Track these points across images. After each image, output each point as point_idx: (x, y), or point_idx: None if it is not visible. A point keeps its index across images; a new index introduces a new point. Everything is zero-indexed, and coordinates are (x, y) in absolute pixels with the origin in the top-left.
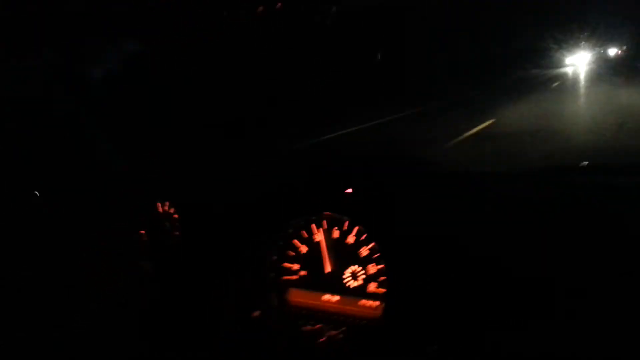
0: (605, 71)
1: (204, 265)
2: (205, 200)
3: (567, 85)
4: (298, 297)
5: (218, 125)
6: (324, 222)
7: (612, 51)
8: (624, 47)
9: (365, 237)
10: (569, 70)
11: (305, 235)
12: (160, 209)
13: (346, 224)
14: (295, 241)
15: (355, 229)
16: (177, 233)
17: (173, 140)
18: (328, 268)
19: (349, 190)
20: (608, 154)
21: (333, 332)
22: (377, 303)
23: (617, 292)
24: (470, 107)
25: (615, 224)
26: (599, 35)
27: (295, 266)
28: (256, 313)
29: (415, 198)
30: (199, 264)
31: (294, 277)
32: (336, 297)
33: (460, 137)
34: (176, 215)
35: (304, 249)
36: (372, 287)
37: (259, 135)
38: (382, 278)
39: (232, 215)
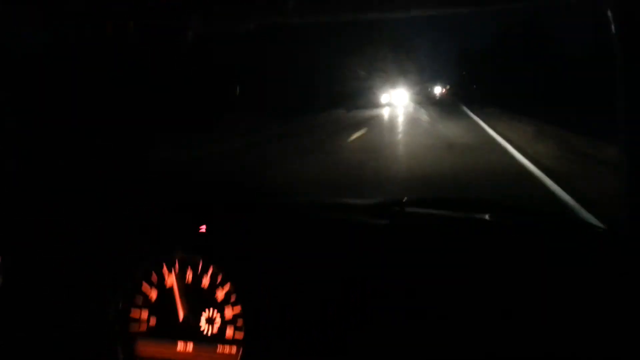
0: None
1: (32, 318)
2: (34, 241)
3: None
4: (148, 349)
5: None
6: (176, 263)
7: (438, 89)
8: (447, 86)
9: (221, 279)
10: (395, 106)
11: (155, 279)
12: None
13: (200, 264)
14: (144, 286)
15: (210, 269)
16: None
17: None
18: (181, 314)
19: (203, 227)
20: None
21: None
22: (235, 349)
23: None
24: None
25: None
26: (426, 77)
27: (144, 314)
28: None
29: (272, 234)
30: (27, 316)
31: (143, 327)
32: (191, 346)
33: None
34: None
35: (153, 294)
36: (230, 331)
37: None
38: (240, 322)
39: (68, 258)
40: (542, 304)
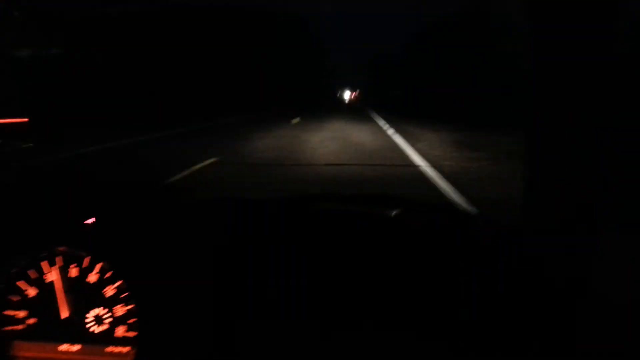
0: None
1: None
2: None
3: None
4: (26, 350)
5: None
6: (58, 258)
7: (347, 94)
8: (357, 91)
9: (111, 275)
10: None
11: (35, 275)
12: None
13: (86, 260)
14: (21, 283)
15: (98, 265)
16: None
17: None
18: (65, 313)
19: (91, 220)
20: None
21: None
22: (128, 348)
23: None
24: None
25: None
26: (337, 82)
27: (22, 313)
28: None
29: (165, 228)
30: None
31: (21, 326)
32: (76, 347)
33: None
34: None
35: (32, 291)
36: (121, 330)
37: None
38: (132, 320)
39: None
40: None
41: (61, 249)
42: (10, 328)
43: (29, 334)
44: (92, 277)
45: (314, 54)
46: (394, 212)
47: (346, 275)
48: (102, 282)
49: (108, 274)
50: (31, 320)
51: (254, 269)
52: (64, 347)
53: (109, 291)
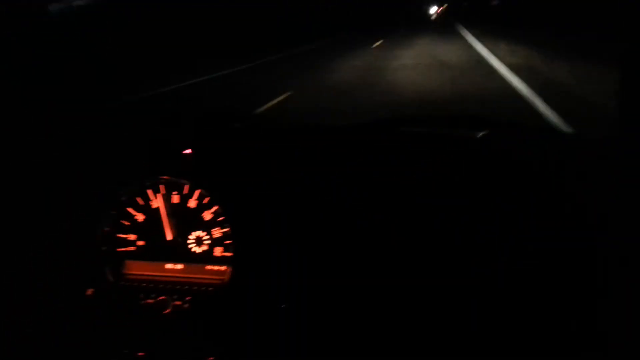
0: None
1: (22, 244)
2: (20, 163)
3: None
4: (137, 269)
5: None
6: (162, 187)
7: (434, 9)
8: (445, 5)
9: (208, 201)
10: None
11: (141, 202)
12: None
13: (186, 187)
14: (130, 209)
15: (197, 192)
16: None
17: None
18: (169, 235)
19: (188, 151)
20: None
21: (178, 303)
22: (225, 267)
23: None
24: None
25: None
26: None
27: (132, 236)
28: (89, 291)
29: (256, 156)
30: (16, 239)
31: (131, 248)
32: (180, 265)
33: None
34: None
35: (140, 217)
36: (218, 251)
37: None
38: (228, 241)
39: (51, 181)
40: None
41: (164, 177)
42: (123, 249)
43: (139, 255)
44: (192, 203)
45: None
46: (481, 134)
47: (429, 202)
48: (201, 207)
49: (206, 200)
50: (140, 242)
51: (340, 199)
52: (169, 265)
53: (207, 215)
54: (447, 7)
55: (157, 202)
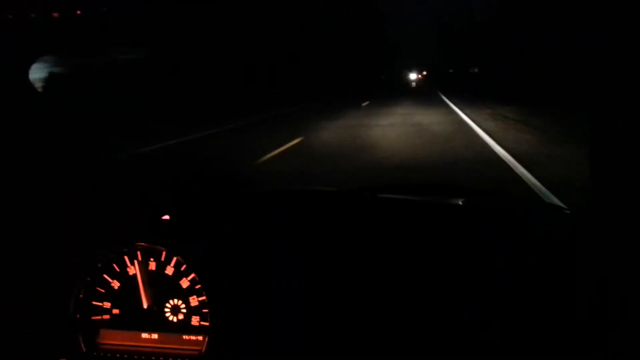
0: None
1: None
2: None
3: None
4: (111, 338)
5: None
6: (139, 253)
7: (413, 75)
8: (424, 72)
9: (185, 268)
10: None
11: (117, 269)
12: None
13: (163, 254)
14: (106, 276)
15: (174, 259)
16: None
17: None
18: (145, 304)
19: (166, 217)
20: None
21: None
22: (201, 337)
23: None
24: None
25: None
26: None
27: (107, 304)
28: None
29: (235, 222)
30: None
31: (106, 316)
32: (156, 335)
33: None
34: None
35: (116, 284)
36: (195, 320)
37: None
38: (205, 310)
39: (23, 240)
40: (510, 281)
41: (141, 244)
42: (97, 317)
43: (114, 323)
44: (169, 270)
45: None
46: (460, 201)
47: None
48: (178, 275)
49: (183, 267)
50: (115, 310)
51: (322, 263)
52: (145, 335)
53: (184, 283)
54: (427, 74)
55: (134, 269)
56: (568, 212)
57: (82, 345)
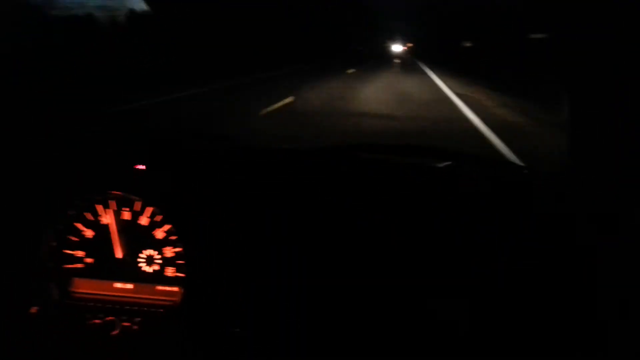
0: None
1: None
2: None
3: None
4: (84, 287)
5: None
6: (112, 202)
7: (398, 47)
8: (409, 45)
9: (161, 219)
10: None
11: (91, 217)
12: None
13: (138, 204)
14: (79, 224)
15: (149, 210)
16: None
17: None
18: (119, 253)
19: (141, 166)
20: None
21: (127, 324)
22: (176, 288)
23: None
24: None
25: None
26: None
27: (80, 253)
28: (34, 309)
29: (213, 175)
30: None
31: (79, 265)
32: (130, 285)
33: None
34: None
35: (89, 233)
36: (170, 271)
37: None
38: (180, 262)
39: None
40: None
41: (115, 192)
42: (70, 266)
43: (87, 272)
44: (144, 221)
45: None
46: (444, 164)
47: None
48: (153, 225)
49: (158, 218)
50: (89, 260)
51: (296, 220)
52: (118, 284)
53: (159, 234)
54: (413, 46)
55: (107, 218)
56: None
57: (55, 293)
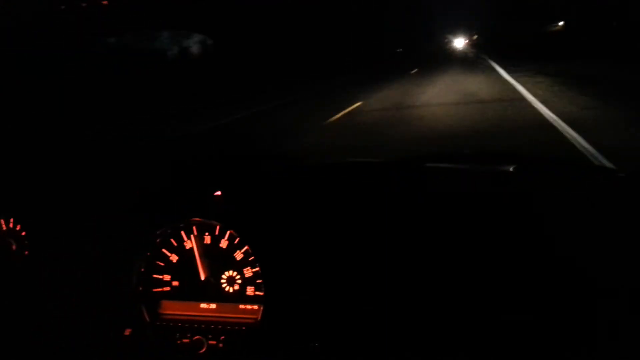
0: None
1: (62, 286)
2: (56, 211)
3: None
4: (172, 309)
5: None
6: (194, 228)
7: (460, 42)
8: (474, 37)
9: (239, 241)
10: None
11: (175, 243)
12: (4, 227)
13: (217, 228)
14: (164, 250)
15: (228, 233)
16: (26, 252)
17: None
18: (202, 275)
19: (218, 192)
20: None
21: (213, 342)
22: (257, 306)
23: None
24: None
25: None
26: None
27: (166, 277)
28: (128, 331)
29: (285, 195)
30: (55, 284)
31: (166, 288)
32: (214, 305)
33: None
34: (24, 232)
35: (174, 258)
36: (250, 290)
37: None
38: (259, 281)
39: (89, 225)
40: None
41: (196, 219)
42: (158, 289)
43: (174, 295)
44: (223, 243)
45: None
46: (511, 168)
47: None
48: (232, 247)
49: (236, 240)
50: (175, 282)
51: (370, 236)
52: (203, 305)
53: (238, 255)
54: (477, 38)
55: (190, 243)
56: (622, 175)
57: (146, 316)
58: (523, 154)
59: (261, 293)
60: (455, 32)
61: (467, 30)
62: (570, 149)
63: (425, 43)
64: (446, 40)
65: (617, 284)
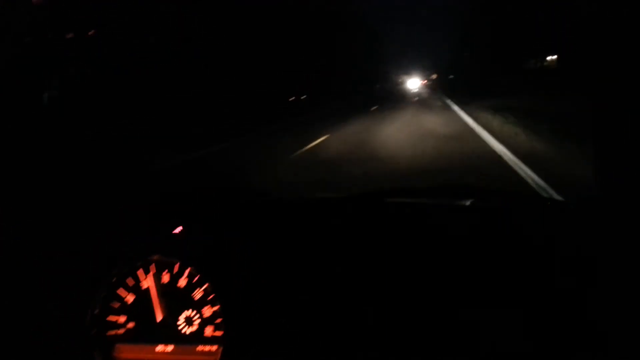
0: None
1: (10, 324)
2: (6, 250)
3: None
4: (127, 352)
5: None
6: (152, 266)
7: (415, 83)
8: (433, 76)
9: (198, 279)
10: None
11: (132, 282)
12: None
13: (176, 266)
14: (120, 290)
15: (187, 270)
16: None
17: None
18: (159, 316)
19: (178, 229)
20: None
21: None
22: (215, 347)
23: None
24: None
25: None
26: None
27: (122, 318)
28: None
29: (248, 230)
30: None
31: (121, 330)
32: (170, 347)
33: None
34: None
35: (130, 298)
36: (209, 330)
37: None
38: (219, 320)
39: (40, 266)
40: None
41: (154, 257)
42: (113, 332)
43: (129, 337)
44: (182, 282)
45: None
46: (468, 202)
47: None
48: (191, 286)
49: (196, 278)
50: (130, 324)
51: (332, 272)
52: (160, 347)
53: (197, 294)
54: (437, 77)
55: (148, 282)
56: (572, 207)
57: None
58: (478, 187)
59: (220, 333)
60: (410, 71)
61: (426, 69)
62: None
63: (376, 85)
64: (400, 81)
65: (572, 315)
